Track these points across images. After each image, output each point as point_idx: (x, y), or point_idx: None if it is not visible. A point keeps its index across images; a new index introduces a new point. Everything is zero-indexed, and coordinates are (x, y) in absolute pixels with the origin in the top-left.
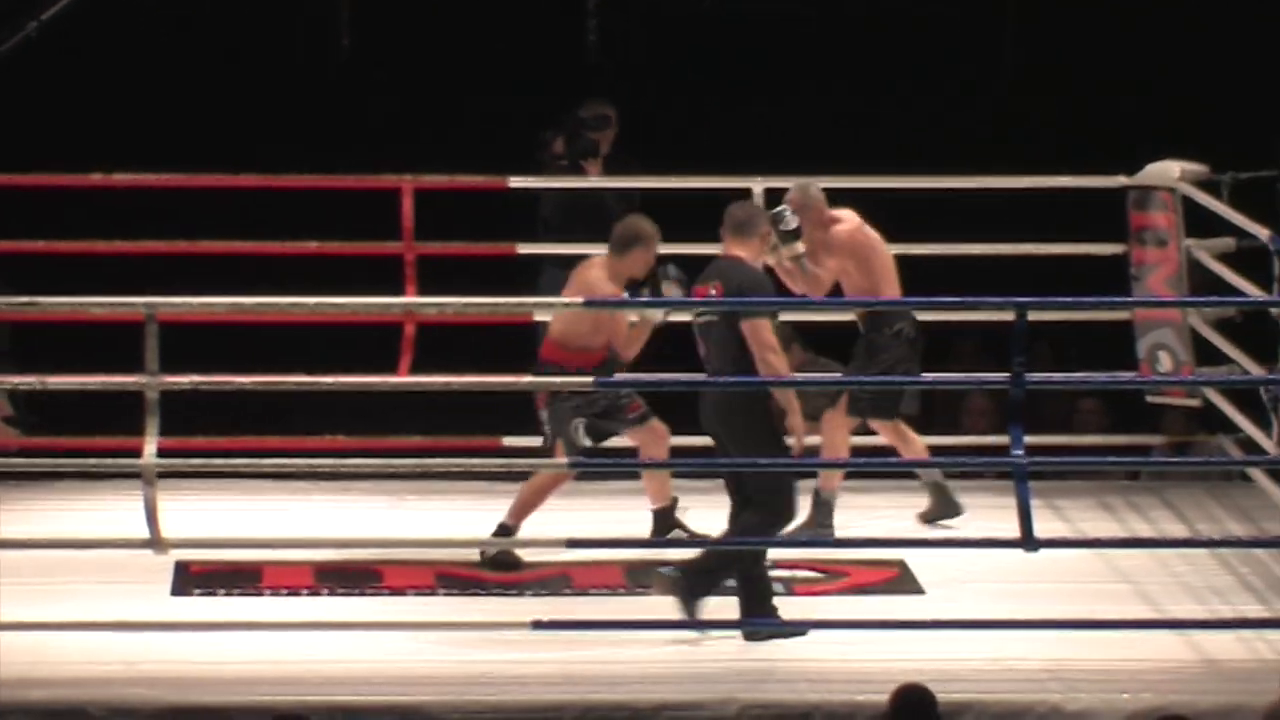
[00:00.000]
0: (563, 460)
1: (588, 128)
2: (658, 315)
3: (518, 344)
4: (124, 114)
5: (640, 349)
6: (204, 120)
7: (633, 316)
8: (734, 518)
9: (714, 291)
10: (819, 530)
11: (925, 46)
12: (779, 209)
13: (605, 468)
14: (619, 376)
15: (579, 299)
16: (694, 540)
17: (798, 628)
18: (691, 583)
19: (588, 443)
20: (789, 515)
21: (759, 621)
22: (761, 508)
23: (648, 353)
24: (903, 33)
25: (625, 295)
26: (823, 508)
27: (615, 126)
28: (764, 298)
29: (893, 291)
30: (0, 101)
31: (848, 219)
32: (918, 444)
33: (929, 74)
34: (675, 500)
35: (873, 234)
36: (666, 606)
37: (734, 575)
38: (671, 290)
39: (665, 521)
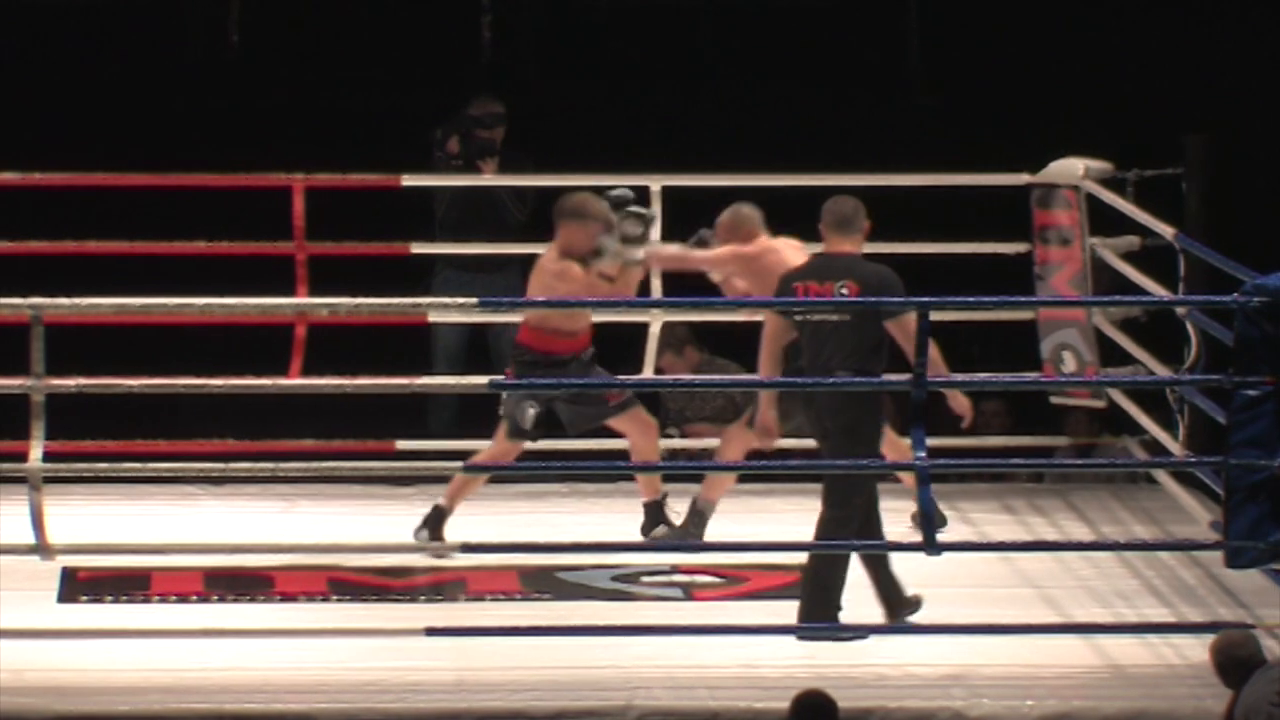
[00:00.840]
0: (455, 464)
1: (482, 126)
2: (638, 254)
3: (411, 345)
4: (7, 112)
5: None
6: (91, 118)
7: (609, 270)
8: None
9: (846, 290)
10: (688, 537)
11: (827, 42)
12: (703, 232)
13: (502, 470)
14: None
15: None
16: (607, 546)
17: (859, 631)
18: (811, 607)
19: (529, 428)
20: (859, 517)
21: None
22: (832, 508)
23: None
24: (804, 28)
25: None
26: (696, 516)
27: (505, 123)
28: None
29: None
30: None
31: (767, 244)
32: None
33: (831, 70)
34: (665, 494)
35: (779, 261)
36: (565, 612)
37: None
38: (630, 225)
39: (655, 515)
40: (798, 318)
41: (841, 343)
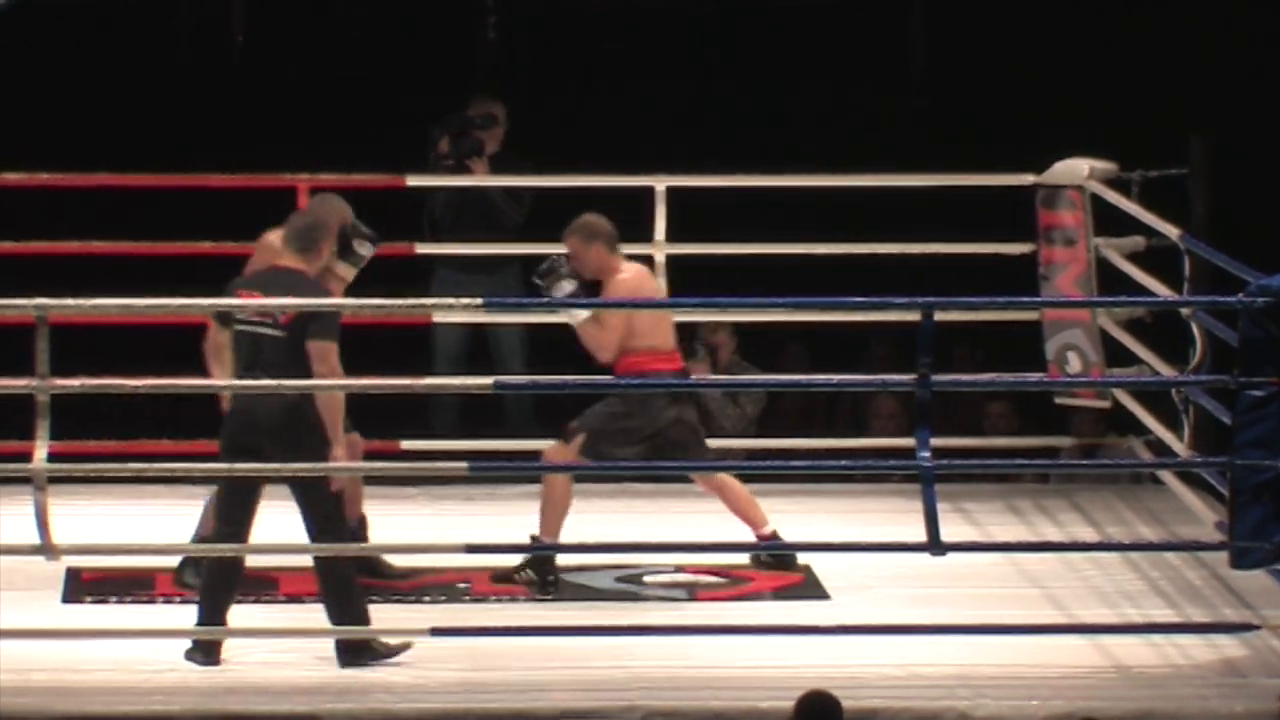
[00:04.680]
0: (460, 465)
1: (475, 127)
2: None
3: (411, 346)
4: (13, 112)
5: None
6: (96, 118)
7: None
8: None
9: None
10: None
11: (830, 43)
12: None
13: (507, 470)
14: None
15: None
16: (611, 546)
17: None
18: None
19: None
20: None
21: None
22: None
23: None
24: (808, 29)
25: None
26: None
27: (504, 125)
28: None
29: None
30: None
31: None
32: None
33: (834, 71)
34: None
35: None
36: (569, 613)
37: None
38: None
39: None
40: (239, 326)
41: (276, 356)
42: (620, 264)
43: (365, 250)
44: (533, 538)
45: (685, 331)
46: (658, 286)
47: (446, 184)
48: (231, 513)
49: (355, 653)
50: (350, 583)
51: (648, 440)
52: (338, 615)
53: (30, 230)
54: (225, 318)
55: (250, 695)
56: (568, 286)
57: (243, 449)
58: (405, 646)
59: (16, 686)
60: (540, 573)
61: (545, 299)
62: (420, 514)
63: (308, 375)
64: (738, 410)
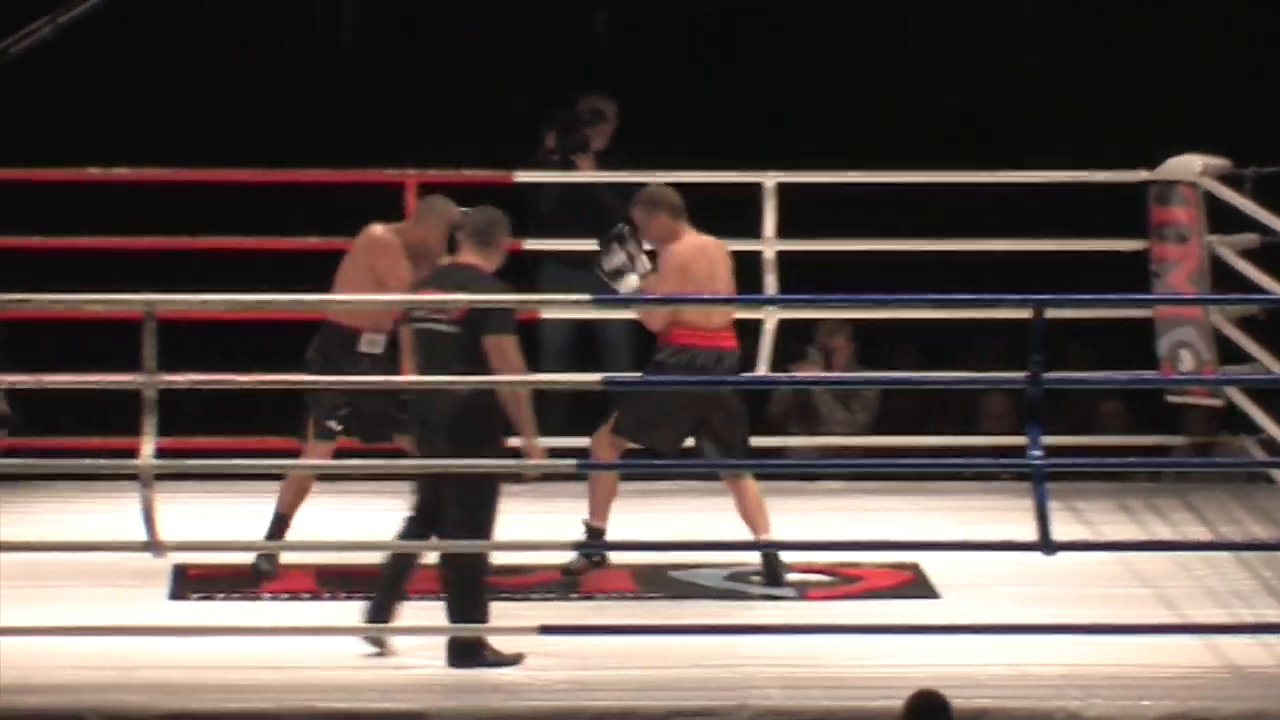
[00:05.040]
0: (569, 462)
1: (582, 123)
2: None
3: (520, 341)
4: (123, 108)
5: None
6: (204, 114)
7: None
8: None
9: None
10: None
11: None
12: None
13: (614, 468)
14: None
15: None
16: (721, 544)
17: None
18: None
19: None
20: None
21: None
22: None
23: None
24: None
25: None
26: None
27: (613, 121)
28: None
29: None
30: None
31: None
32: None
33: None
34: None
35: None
36: (677, 611)
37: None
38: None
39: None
40: (417, 324)
41: (450, 352)
42: (683, 233)
43: None
44: (586, 524)
45: (802, 333)
46: (717, 260)
47: (550, 179)
48: (420, 509)
49: (466, 655)
50: (479, 587)
51: (689, 411)
52: (457, 615)
53: (138, 225)
54: (407, 316)
55: (358, 692)
56: (618, 258)
57: (428, 452)
58: (518, 658)
59: (123, 683)
60: (586, 554)
61: (660, 297)
62: (527, 511)
63: (483, 372)
64: (848, 415)
